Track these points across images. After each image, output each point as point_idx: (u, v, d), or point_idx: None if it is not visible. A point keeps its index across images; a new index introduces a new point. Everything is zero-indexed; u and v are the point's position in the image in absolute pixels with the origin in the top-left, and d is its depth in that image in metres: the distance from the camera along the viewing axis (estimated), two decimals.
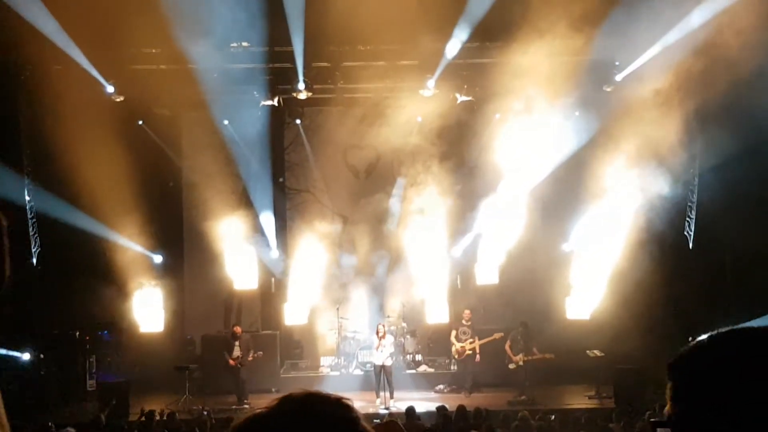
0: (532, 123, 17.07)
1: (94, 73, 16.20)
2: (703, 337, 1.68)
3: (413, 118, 18.52)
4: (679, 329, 17.01)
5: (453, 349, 18.14)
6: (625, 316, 17.05)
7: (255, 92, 17.71)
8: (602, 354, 17.45)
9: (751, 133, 14.50)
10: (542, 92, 16.39)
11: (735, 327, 1.67)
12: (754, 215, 15.62)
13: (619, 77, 17.07)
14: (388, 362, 17.00)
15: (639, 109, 15.99)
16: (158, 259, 19.15)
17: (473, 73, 17.24)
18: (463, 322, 18.16)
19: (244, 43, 16.33)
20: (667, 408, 1.67)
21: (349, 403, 1.42)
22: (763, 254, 15.63)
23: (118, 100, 17.04)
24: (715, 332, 1.68)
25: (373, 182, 19.30)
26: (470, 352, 17.93)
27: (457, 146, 19.13)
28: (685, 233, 18.34)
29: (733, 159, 14.90)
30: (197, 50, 15.65)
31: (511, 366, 17.19)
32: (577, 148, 17.49)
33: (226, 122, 18.59)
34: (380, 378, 17.02)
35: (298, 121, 19.24)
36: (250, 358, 17.24)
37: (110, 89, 16.86)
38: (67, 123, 15.81)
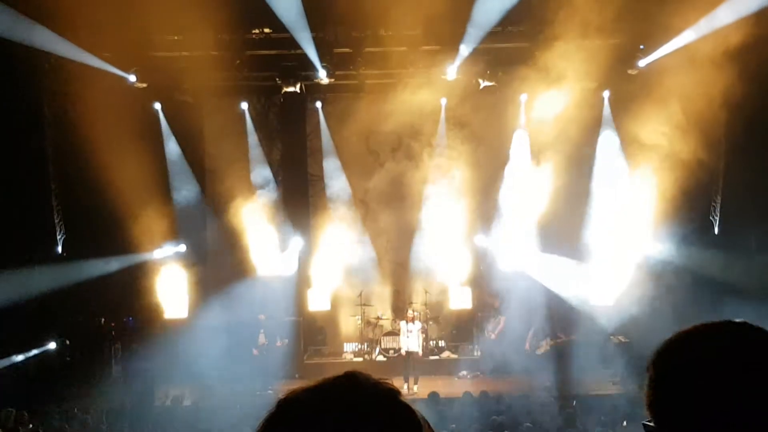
0: (557, 104, 16.97)
1: (113, 69, 16.24)
2: (682, 331, 1.68)
3: (436, 103, 18.48)
4: (703, 315, 16.85)
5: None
6: (649, 302, 16.96)
7: (277, 79, 17.67)
8: (627, 340, 17.36)
9: None
10: (567, 74, 16.27)
11: (714, 322, 1.67)
12: None
13: (642, 62, 16.83)
14: (416, 348, 17.14)
15: (665, 91, 15.80)
16: (182, 247, 19.20)
17: (496, 58, 17.08)
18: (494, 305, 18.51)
19: (266, 30, 16.29)
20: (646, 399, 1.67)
21: (388, 380, 1.44)
22: None
23: (140, 86, 17.08)
24: (691, 327, 1.67)
25: (395, 168, 19.22)
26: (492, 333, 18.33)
27: (481, 129, 18.97)
28: (711, 218, 18.17)
29: (760, 145, 14.72)
30: (219, 37, 15.62)
31: (539, 352, 17.24)
32: (603, 131, 17.33)
33: (245, 107, 18.59)
34: (408, 364, 17.14)
35: (318, 104, 19.15)
36: (278, 344, 17.46)
37: (132, 78, 16.88)
38: (90, 111, 15.91)
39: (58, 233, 17.95)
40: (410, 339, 17.21)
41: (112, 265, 17.64)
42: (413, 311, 17.70)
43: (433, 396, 14.53)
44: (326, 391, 1.39)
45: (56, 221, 17.86)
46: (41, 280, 16.37)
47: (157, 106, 18.06)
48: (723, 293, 16.07)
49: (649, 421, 1.65)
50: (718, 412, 1.52)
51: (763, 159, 15.08)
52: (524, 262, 18.77)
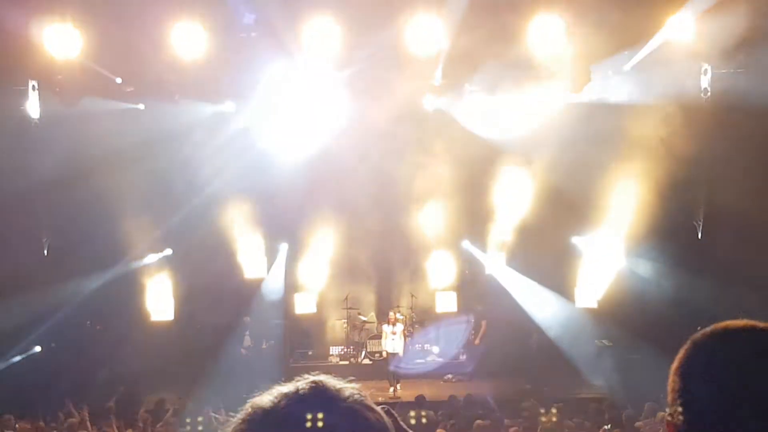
0: (545, 108, 16.96)
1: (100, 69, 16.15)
2: (700, 335, 1.74)
3: (424, 105, 18.54)
4: (687, 319, 16.99)
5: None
6: (633, 306, 17.10)
7: (264, 83, 17.63)
8: (610, 344, 17.47)
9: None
10: (555, 79, 16.30)
11: (730, 324, 1.73)
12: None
13: (627, 66, 16.72)
14: (399, 350, 17.24)
15: (652, 92, 15.79)
16: (168, 251, 19.21)
17: (481, 63, 17.02)
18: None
19: (253, 33, 16.26)
20: (669, 401, 1.72)
21: (355, 386, 1.48)
22: None
23: (127, 90, 17.02)
24: (711, 330, 1.74)
25: (383, 170, 19.12)
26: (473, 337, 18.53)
27: (470, 131, 18.86)
28: (695, 223, 18.26)
29: (744, 146, 14.74)
30: (204, 37, 15.53)
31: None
32: (594, 135, 17.19)
33: (232, 110, 18.55)
34: (391, 366, 17.25)
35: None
36: (264, 346, 17.52)
37: (118, 80, 16.79)
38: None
39: (43, 238, 17.91)
40: (393, 341, 17.32)
41: (101, 278, 17.62)
42: (395, 314, 17.79)
43: (420, 399, 14.61)
44: (294, 398, 1.42)
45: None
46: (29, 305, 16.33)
47: (142, 107, 17.94)
48: (708, 297, 16.23)
49: (670, 415, 1.71)
50: (741, 410, 1.58)
51: (747, 161, 15.08)
52: (500, 273, 19.05)
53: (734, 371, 1.62)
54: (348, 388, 1.46)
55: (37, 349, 17.43)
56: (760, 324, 1.72)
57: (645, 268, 17.87)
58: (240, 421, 1.45)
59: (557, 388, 16.69)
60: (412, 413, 13.50)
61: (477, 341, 18.44)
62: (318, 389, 1.43)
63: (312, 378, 1.46)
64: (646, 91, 16.14)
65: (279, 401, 1.43)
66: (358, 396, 1.45)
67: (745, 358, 1.63)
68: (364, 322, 19.37)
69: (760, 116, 14.51)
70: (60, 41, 14.45)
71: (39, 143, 16.57)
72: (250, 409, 1.45)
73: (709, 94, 16.04)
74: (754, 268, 15.90)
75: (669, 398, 1.72)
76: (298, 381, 1.46)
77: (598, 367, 17.30)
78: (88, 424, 12.70)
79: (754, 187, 15.00)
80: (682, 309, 17.35)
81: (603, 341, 17.55)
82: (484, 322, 18.51)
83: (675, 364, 1.73)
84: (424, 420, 13.17)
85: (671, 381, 1.72)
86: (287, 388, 1.45)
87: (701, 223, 18.07)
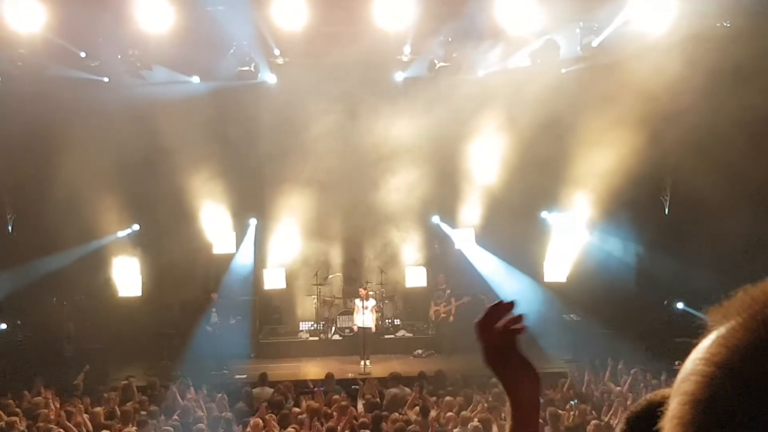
0: (513, 81, 16.84)
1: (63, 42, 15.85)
2: (633, 413, 1.63)
3: (394, 78, 18.48)
4: (653, 293, 17.21)
5: (430, 311, 18.75)
6: (600, 281, 17.23)
7: (231, 56, 17.44)
8: (579, 318, 17.61)
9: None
10: (523, 50, 16.23)
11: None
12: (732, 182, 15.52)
13: (596, 42, 16.47)
14: (370, 325, 17.28)
15: (624, 71, 15.67)
16: (135, 227, 19.06)
17: (450, 36, 16.88)
18: (438, 286, 18.73)
19: (220, 7, 16.04)
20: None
21: None
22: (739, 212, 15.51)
23: (92, 65, 16.70)
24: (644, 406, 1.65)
25: (352, 144, 19.03)
26: (444, 315, 18.40)
27: (439, 103, 18.76)
28: (661, 198, 18.41)
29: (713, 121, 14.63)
30: (170, 10, 15.30)
31: None
32: (562, 110, 17.04)
33: (196, 80, 18.29)
34: (363, 341, 17.26)
35: (273, 82, 18.92)
36: (232, 322, 17.49)
37: (82, 54, 16.49)
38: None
39: (8, 214, 17.68)
40: (365, 315, 17.35)
41: (68, 254, 17.45)
42: (366, 289, 17.81)
43: (395, 375, 14.65)
44: None
45: (6, 200, 17.57)
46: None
47: (107, 80, 17.61)
48: (674, 272, 16.37)
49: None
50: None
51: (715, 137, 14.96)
52: (469, 249, 19.12)
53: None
54: None
55: (3, 326, 17.22)
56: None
57: (612, 243, 18.02)
58: None
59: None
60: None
61: (451, 318, 18.45)
62: None
63: None
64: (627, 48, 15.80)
65: None
66: None
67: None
68: (334, 297, 19.39)
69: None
70: (22, 14, 14.16)
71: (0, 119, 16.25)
72: None
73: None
74: (717, 248, 16.06)
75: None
76: None
77: (565, 341, 17.42)
78: (52, 403, 12.56)
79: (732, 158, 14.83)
80: (648, 284, 17.58)
81: (571, 316, 17.69)
82: (454, 299, 18.56)
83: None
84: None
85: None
86: None
87: (668, 199, 18.23)
